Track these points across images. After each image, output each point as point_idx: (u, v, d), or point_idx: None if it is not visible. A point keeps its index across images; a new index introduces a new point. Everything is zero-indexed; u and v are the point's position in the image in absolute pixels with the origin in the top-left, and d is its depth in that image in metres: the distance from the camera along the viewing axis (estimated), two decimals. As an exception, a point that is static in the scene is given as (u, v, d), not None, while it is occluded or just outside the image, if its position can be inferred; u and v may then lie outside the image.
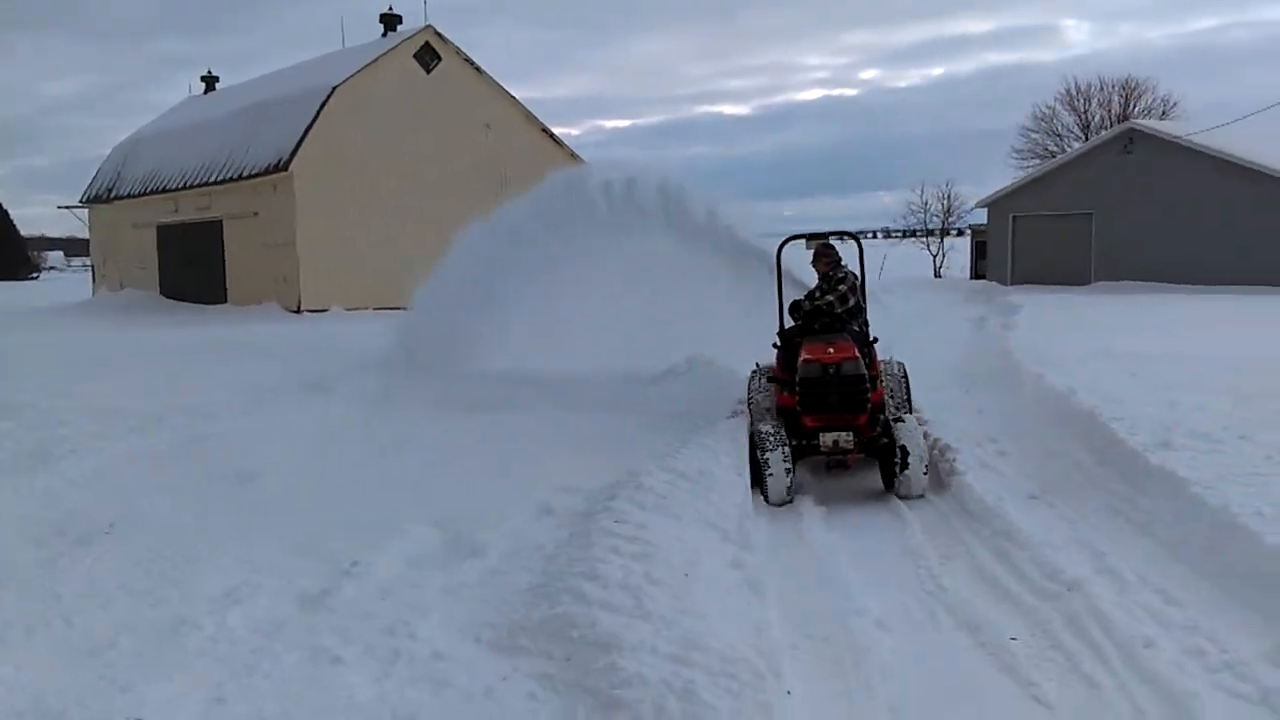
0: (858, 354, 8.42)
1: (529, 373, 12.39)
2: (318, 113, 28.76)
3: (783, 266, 10.60)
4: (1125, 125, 32.14)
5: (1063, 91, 45.80)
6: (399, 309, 28.92)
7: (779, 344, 9.82)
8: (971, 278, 35.81)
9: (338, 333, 21.54)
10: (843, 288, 9.49)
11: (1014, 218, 32.13)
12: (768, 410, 9.44)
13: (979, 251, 36.02)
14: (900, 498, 8.07)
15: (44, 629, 5.03)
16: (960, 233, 42.11)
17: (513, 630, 4.64)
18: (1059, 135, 45.07)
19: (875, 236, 48.65)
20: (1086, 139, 42.09)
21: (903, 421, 8.30)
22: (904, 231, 43.97)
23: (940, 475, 8.38)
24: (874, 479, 8.46)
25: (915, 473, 8.05)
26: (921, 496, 8.08)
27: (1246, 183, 27.63)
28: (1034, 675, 4.59)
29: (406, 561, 5.95)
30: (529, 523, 6.58)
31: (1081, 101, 44.47)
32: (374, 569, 5.77)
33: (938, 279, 38.06)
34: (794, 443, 8.28)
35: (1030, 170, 38.49)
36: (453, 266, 14.25)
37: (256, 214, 30.09)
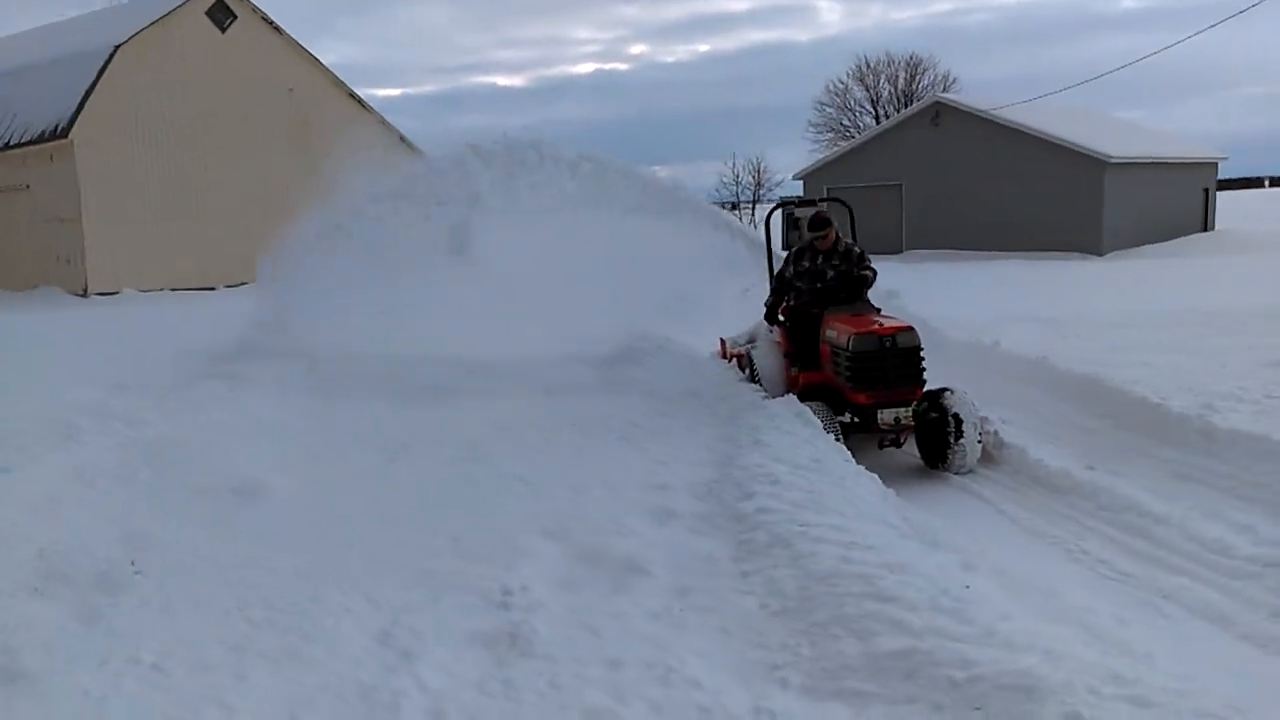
0: (912, 325, 8.04)
1: (452, 356, 11.32)
2: (99, 74, 25.63)
3: (770, 234, 10.15)
4: (933, 98, 33.61)
5: (854, 67, 47.69)
6: (206, 289, 26.77)
7: (784, 319, 9.34)
8: (783, 249, 36.48)
9: (144, 318, 19.34)
10: (863, 257, 9.08)
11: (828, 189, 32.94)
12: (781, 385, 8.96)
13: (790, 223, 36.77)
14: (953, 472, 7.79)
15: None
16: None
17: (827, 671, 3.88)
18: (851, 110, 46.90)
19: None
20: (876, 113, 43.93)
21: (951, 392, 8.00)
22: (722, 204, 44.54)
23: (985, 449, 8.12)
24: (899, 456, 8.16)
25: (970, 444, 7.77)
26: (971, 471, 7.84)
27: (1044, 155, 29.50)
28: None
29: (560, 584, 5.03)
30: (659, 529, 5.76)
31: (871, 77, 46.45)
32: (537, 595, 4.83)
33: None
34: (843, 420, 7.88)
35: (828, 142, 39.68)
36: (316, 244, 12.91)
37: (28, 187, 26.57)
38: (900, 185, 31.95)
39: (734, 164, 42.81)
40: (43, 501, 6.49)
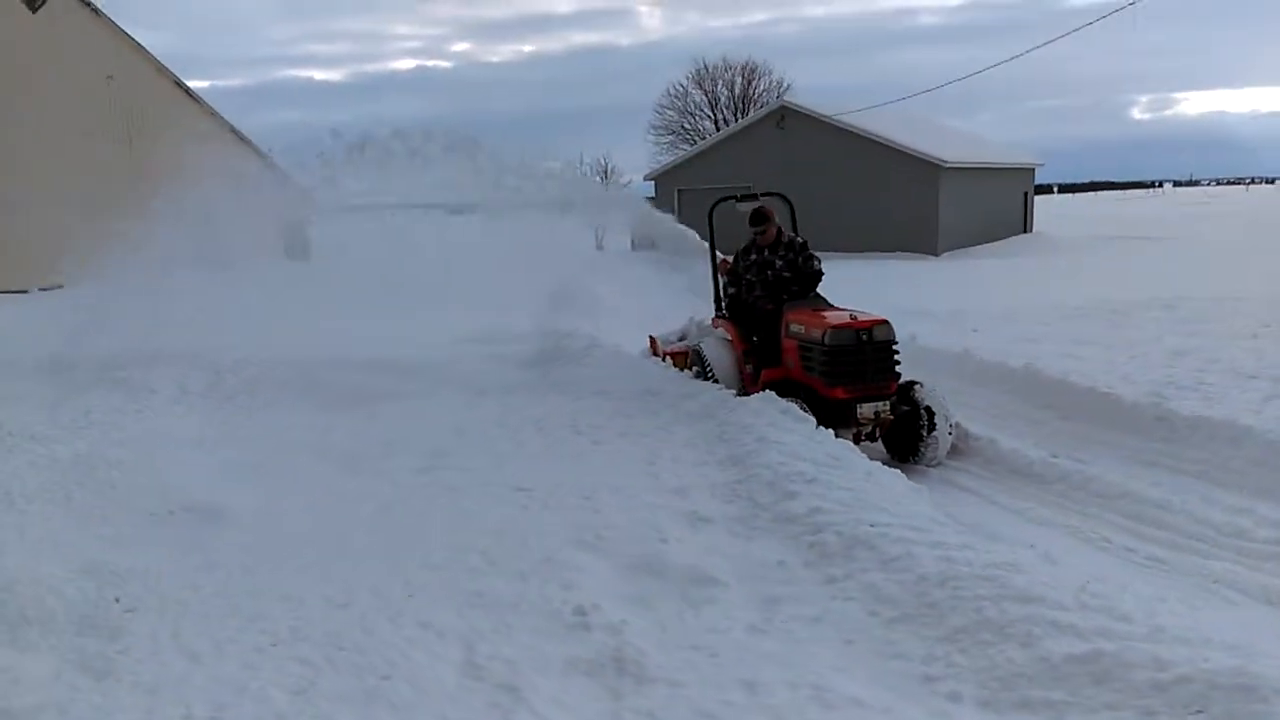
0: (887, 319, 7.94)
1: (362, 359, 10.64)
2: (-107, 54, 23.06)
3: (713, 230, 9.88)
4: (778, 102, 34.25)
5: (692, 71, 48.13)
6: (18, 293, 24.35)
7: (731, 314, 9.12)
8: (631, 249, 36.45)
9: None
10: (809, 252, 8.98)
11: (679, 191, 33.13)
12: (737, 382, 8.74)
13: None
14: (924, 465, 7.74)
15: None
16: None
17: (1001, 681, 3.60)
18: (691, 113, 47.35)
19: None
20: (714, 117, 44.51)
21: (920, 385, 7.96)
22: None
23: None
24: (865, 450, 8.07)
25: (942, 436, 7.75)
26: (940, 463, 7.81)
27: (884, 159, 30.54)
28: None
29: (630, 600, 4.60)
30: (697, 534, 5.39)
31: (709, 81, 47.02)
32: (613, 614, 4.38)
33: (599, 250, 38.36)
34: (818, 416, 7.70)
35: (669, 144, 39.92)
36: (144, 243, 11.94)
37: None
38: (750, 187, 32.34)
39: (580, 165, 42.51)
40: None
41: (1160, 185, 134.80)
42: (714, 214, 9.82)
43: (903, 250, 30.01)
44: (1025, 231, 37.15)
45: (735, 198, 9.96)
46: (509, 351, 11.25)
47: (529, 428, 7.89)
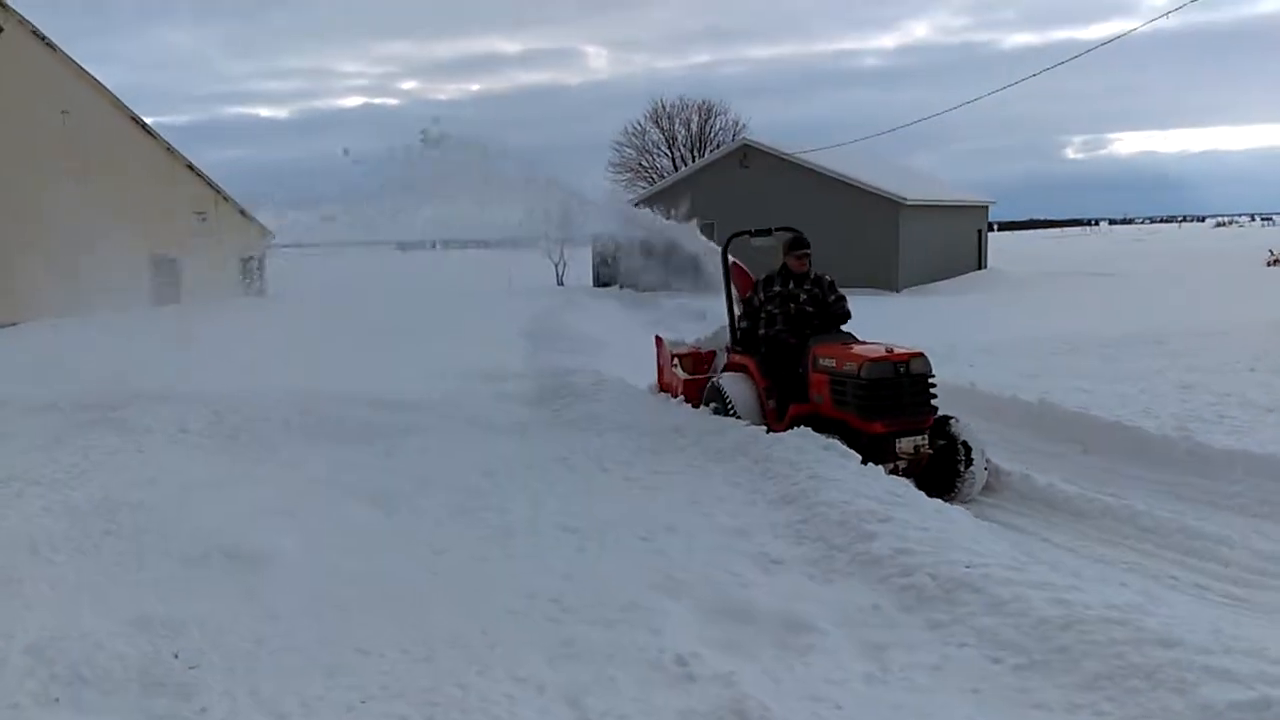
0: (923, 351, 7.84)
1: (360, 394, 10.36)
2: None
3: (728, 263, 9.75)
4: (740, 141, 34.53)
5: (650, 110, 48.32)
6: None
7: (745, 348, 8.94)
8: (595, 285, 36.38)
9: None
10: (839, 292, 8.86)
11: (641, 227, 33.08)
12: (759, 417, 8.51)
13: (602, 260, 36.73)
14: (958, 501, 7.52)
15: None
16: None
17: None
18: (649, 151, 47.50)
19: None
20: (672, 155, 44.73)
21: (955, 419, 7.86)
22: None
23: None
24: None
25: (979, 471, 7.63)
26: (973, 500, 7.68)
27: (846, 196, 30.85)
28: None
29: (726, 647, 4.37)
30: (771, 578, 5.18)
31: (666, 120, 47.24)
32: (715, 663, 4.15)
33: (561, 287, 38.22)
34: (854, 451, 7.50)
35: (627, 182, 39.96)
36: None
37: None
38: (713, 224, 32.43)
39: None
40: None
41: (1097, 223, 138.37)
42: (728, 250, 9.71)
43: (864, 286, 30.17)
44: (980, 268, 37.74)
45: (750, 232, 9.88)
46: (512, 389, 11.01)
47: (557, 466, 7.65)
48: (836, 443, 7.26)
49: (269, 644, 4.49)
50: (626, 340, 16.82)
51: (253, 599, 5.04)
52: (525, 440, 8.54)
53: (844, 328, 8.71)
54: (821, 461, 6.82)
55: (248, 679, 4.14)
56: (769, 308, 8.82)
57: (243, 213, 33.51)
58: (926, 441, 7.61)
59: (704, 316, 14.11)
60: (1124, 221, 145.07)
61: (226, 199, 31.87)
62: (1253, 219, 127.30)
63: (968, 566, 4.80)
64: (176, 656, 4.35)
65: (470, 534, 6.08)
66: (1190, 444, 7.95)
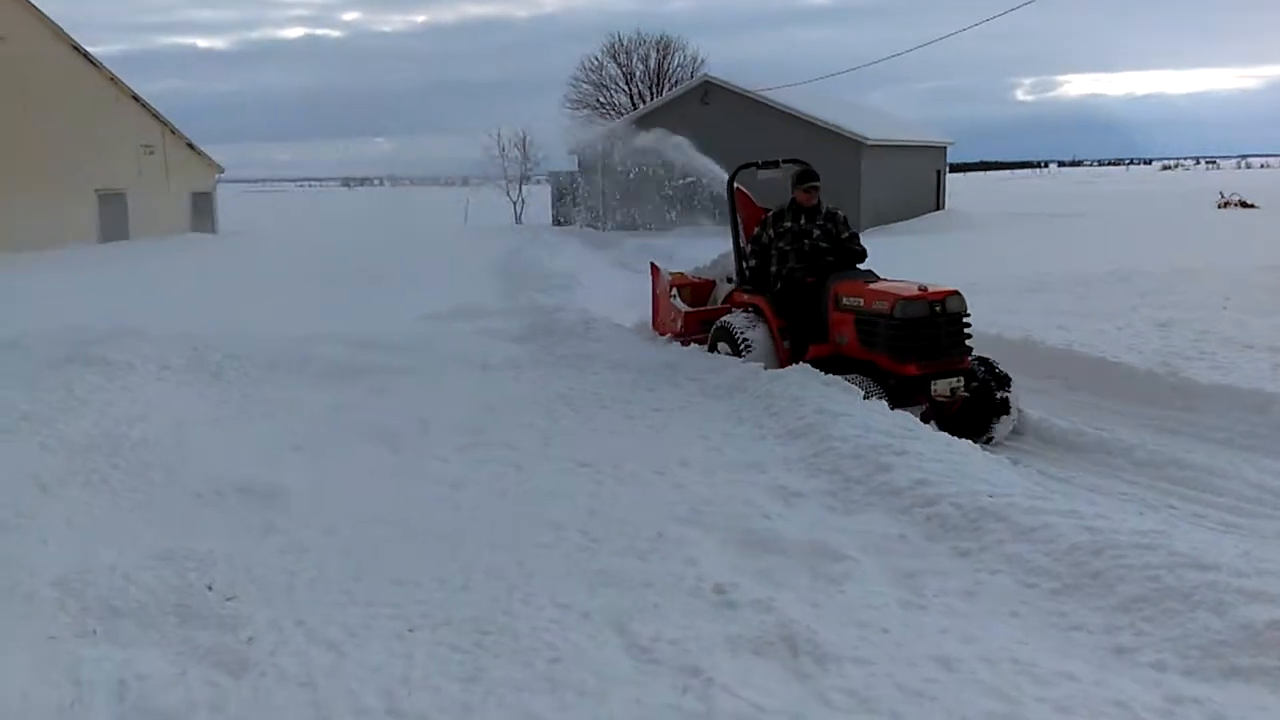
0: (958, 290, 7.69)
1: (338, 334, 10.22)
2: None
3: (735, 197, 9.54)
4: (702, 77, 34.15)
5: (607, 45, 47.52)
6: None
7: (755, 287, 8.78)
8: (553, 224, 36.07)
9: None
10: (852, 230, 8.73)
11: (603, 166, 32.78)
12: (774, 358, 8.38)
13: (559, 198, 36.42)
14: (987, 443, 7.15)
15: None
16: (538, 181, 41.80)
17: (1202, 649, 3.51)
18: (606, 86, 46.86)
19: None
20: (629, 91, 44.22)
21: (988, 361, 7.76)
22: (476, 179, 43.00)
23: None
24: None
25: (1014, 415, 7.45)
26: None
27: (808, 136, 30.70)
28: None
29: (762, 577, 4.41)
30: (793, 510, 5.23)
31: (624, 55, 46.57)
32: (754, 592, 4.19)
33: (519, 225, 37.82)
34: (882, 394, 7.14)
35: (585, 118, 39.49)
36: None
37: None
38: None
39: (499, 137, 41.59)
40: (10, 516, 5.06)
41: (1046, 165, 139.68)
42: (733, 185, 9.58)
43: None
44: (939, 209, 37.93)
45: (757, 164, 9.72)
46: (494, 326, 10.92)
47: (557, 403, 7.62)
48: (840, 379, 7.21)
49: (302, 576, 4.47)
50: (596, 279, 16.76)
51: (275, 533, 5.01)
52: (520, 377, 8.50)
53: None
54: (826, 397, 6.86)
55: (289, 610, 4.12)
56: (780, 244, 8.52)
57: (191, 146, 32.74)
58: (963, 383, 7.40)
59: (670, 257, 14.07)
60: (1073, 163, 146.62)
61: (174, 131, 31.03)
62: (1197, 162, 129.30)
63: (991, 496, 4.89)
64: (210, 589, 4.31)
65: (483, 470, 6.06)
66: (1176, 379, 8.11)
